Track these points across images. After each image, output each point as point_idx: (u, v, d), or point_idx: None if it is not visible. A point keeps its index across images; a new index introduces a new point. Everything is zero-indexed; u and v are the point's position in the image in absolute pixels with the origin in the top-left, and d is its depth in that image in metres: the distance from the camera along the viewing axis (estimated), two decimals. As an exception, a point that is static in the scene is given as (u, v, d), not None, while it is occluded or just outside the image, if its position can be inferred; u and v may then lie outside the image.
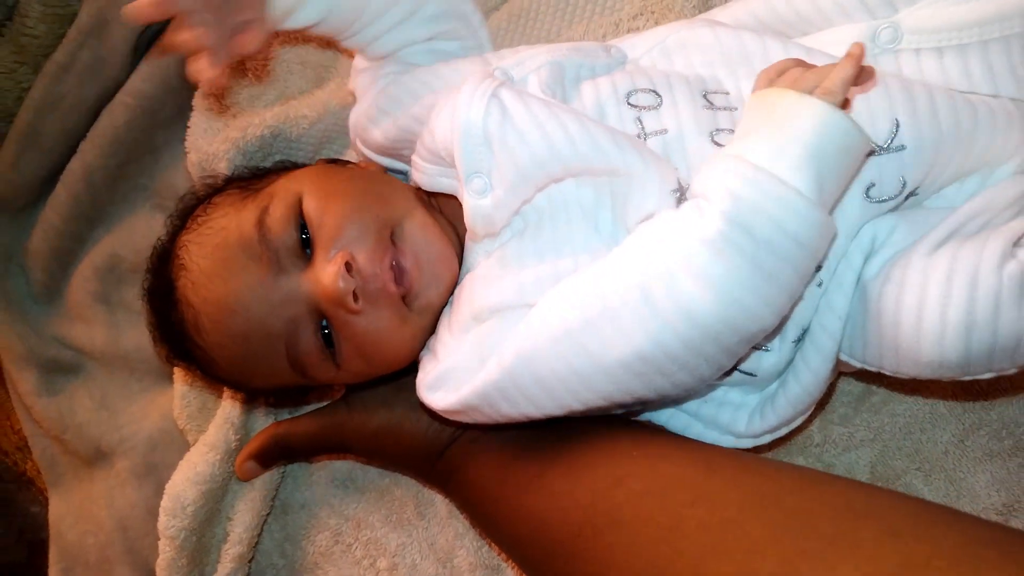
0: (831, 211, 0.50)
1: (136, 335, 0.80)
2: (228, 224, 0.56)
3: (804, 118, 0.47)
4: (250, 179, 0.64)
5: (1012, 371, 0.52)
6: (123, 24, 0.76)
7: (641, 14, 0.71)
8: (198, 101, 0.75)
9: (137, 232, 0.81)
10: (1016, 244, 0.51)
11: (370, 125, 0.62)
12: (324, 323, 0.56)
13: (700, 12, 0.69)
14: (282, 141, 0.72)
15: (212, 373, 0.62)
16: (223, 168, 0.71)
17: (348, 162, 0.69)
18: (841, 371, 0.61)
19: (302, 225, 0.56)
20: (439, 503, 0.71)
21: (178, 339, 0.60)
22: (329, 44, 0.78)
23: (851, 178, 0.50)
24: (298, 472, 0.75)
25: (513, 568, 0.70)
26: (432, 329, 0.59)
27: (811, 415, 0.61)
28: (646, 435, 0.58)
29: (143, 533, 0.74)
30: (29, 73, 0.79)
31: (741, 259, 0.46)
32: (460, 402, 0.54)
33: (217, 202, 0.60)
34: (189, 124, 0.75)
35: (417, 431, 0.63)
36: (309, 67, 0.76)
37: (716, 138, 0.54)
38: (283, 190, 0.57)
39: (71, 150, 0.81)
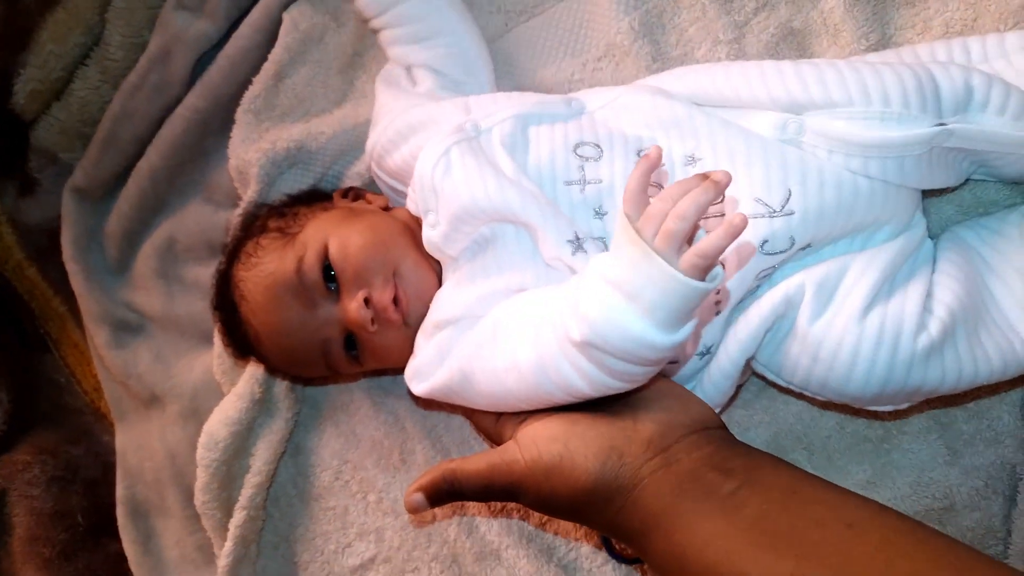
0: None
1: (185, 303, 0.93)
2: (275, 269, 0.72)
3: (662, 281, 0.49)
4: (285, 215, 0.77)
5: (904, 406, 0.64)
6: (183, 53, 0.88)
7: (604, 56, 0.80)
8: (240, 116, 0.87)
9: (189, 219, 0.93)
10: (927, 310, 0.61)
11: (384, 155, 0.75)
12: (349, 337, 0.72)
13: (653, 60, 0.78)
14: (304, 153, 0.83)
15: (266, 366, 0.82)
16: (254, 172, 0.83)
17: (360, 193, 0.81)
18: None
19: (327, 267, 0.71)
20: (419, 453, 0.83)
21: (243, 344, 0.78)
22: (348, 67, 0.90)
23: (699, 307, 0.52)
24: (309, 422, 0.87)
25: (476, 506, 0.81)
26: None
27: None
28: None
29: (187, 462, 0.88)
30: (110, 90, 0.92)
31: (598, 360, 0.53)
32: (428, 392, 0.67)
33: (265, 245, 0.75)
34: (231, 134, 0.87)
35: (591, 468, 0.55)
36: (330, 90, 0.87)
37: None
38: (313, 240, 0.72)
39: (140, 153, 0.93)
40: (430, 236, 0.67)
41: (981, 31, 0.71)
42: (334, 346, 0.73)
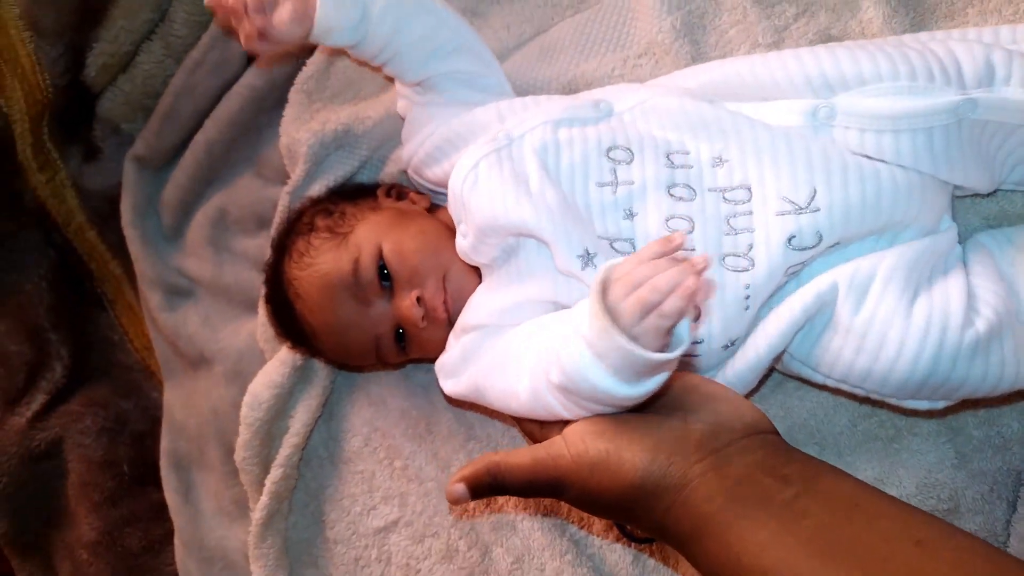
0: None
1: (234, 272, 0.96)
2: (331, 270, 0.76)
3: (623, 351, 0.49)
4: (332, 213, 0.80)
5: (941, 406, 0.65)
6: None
7: (645, 53, 0.81)
8: (292, 96, 0.90)
9: (241, 192, 0.97)
10: (973, 308, 0.62)
11: (423, 168, 0.78)
12: (399, 331, 0.77)
13: (692, 60, 0.78)
14: (351, 136, 0.86)
15: (321, 358, 0.86)
16: (303, 151, 0.86)
17: (403, 191, 0.84)
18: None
19: (382, 267, 0.75)
20: (443, 424, 0.86)
21: (299, 337, 0.83)
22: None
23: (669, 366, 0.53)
24: (343, 390, 0.91)
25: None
26: None
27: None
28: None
29: (229, 420, 0.92)
30: (173, 65, 0.95)
31: (574, 400, 0.56)
32: (452, 394, 0.73)
33: (317, 245, 0.78)
34: (284, 113, 0.90)
35: (638, 463, 0.53)
36: (378, 74, 0.89)
37: (671, 191, 0.65)
38: (367, 242, 0.76)
39: (198, 126, 0.96)
40: (461, 245, 0.72)
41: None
42: (385, 340, 0.78)
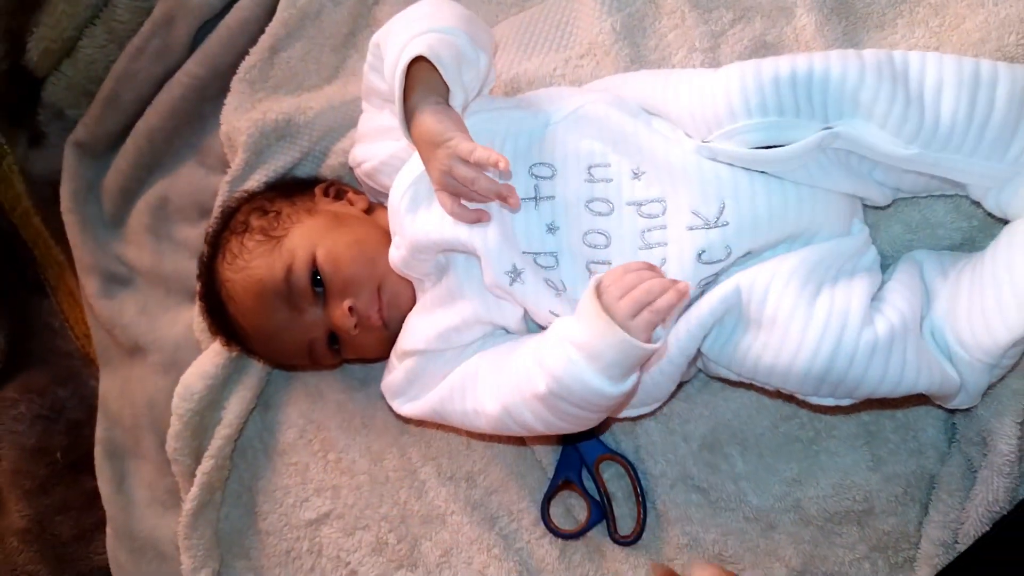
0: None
1: (173, 261, 0.94)
2: (264, 276, 0.75)
3: (622, 345, 0.57)
4: (267, 212, 0.78)
5: (846, 403, 0.65)
6: (186, 20, 0.89)
7: (586, 54, 0.80)
8: (235, 85, 0.88)
9: (182, 181, 0.94)
10: (877, 310, 0.62)
11: (375, 174, 0.77)
12: (333, 335, 0.76)
13: (631, 62, 0.78)
14: (292, 127, 0.84)
15: (253, 355, 0.85)
16: (242, 140, 0.84)
17: (342, 190, 0.82)
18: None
19: (315, 273, 0.74)
20: (378, 418, 0.85)
21: (231, 336, 0.82)
22: (342, 45, 0.90)
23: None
24: (280, 381, 0.89)
25: (429, 469, 0.83)
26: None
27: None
28: None
29: (164, 410, 0.88)
30: (116, 50, 0.93)
31: (557, 408, 0.63)
32: (409, 416, 0.75)
33: (250, 247, 0.76)
34: (226, 102, 0.87)
35: None
36: (323, 67, 0.89)
37: (590, 205, 0.66)
38: (301, 248, 0.74)
39: (140, 113, 0.94)
40: (393, 257, 0.72)
41: (943, 59, 0.71)
42: (318, 344, 0.77)
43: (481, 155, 0.61)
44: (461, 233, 0.66)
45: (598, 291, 0.59)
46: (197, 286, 0.83)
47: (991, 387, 0.67)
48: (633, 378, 0.61)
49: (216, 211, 0.86)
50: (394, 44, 0.66)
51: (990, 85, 0.61)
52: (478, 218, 0.66)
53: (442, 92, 0.66)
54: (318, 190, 0.82)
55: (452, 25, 0.66)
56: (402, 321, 0.76)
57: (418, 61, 0.64)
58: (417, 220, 0.68)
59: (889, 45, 0.73)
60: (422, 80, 0.65)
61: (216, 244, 0.80)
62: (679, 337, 0.65)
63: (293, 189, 0.83)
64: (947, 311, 0.65)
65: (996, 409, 0.68)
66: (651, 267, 0.61)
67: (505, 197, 0.64)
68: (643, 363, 0.62)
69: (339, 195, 0.82)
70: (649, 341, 0.59)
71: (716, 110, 0.63)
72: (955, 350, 0.64)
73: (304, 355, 0.78)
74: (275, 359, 0.84)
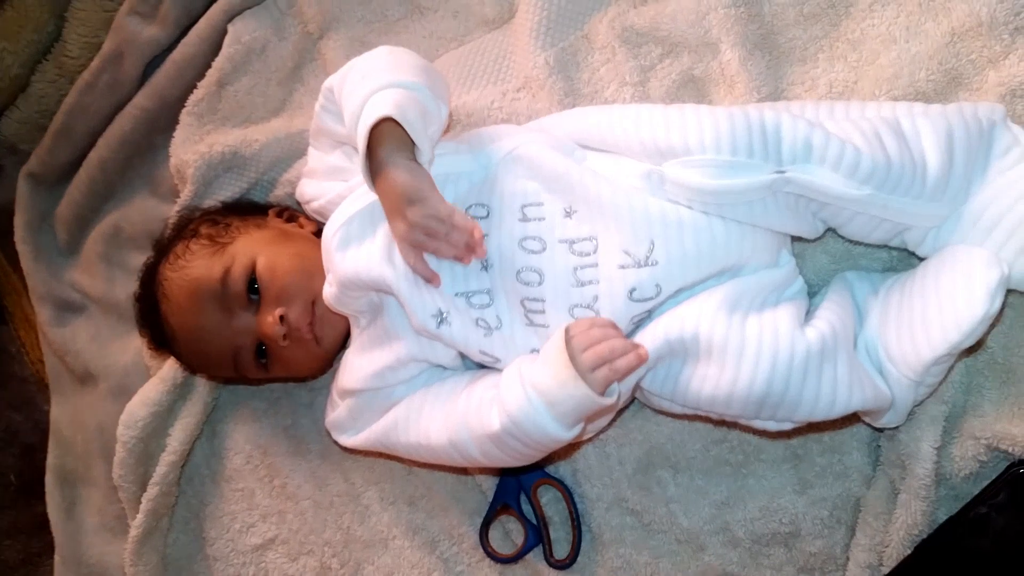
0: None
1: (125, 288, 0.92)
2: (201, 275, 0.74)
3: (581, 396, 0.59)
4: (218, 223, 0.78)
5: (788, 427, 0.65)
6: (134, 56, 0.90)
7: (523, 87, 0.81)
8: (183, 118, 0.88)
9: (135, 210, 0.94)
10: (809, 324, 0.62)
11: (321, 212, 0.76)
12: (261, 347, 0.75)
13: (565, 95, 0.78)
14: (238, 158, 0.84)
15: (180, 363, 0.84)
16: (190, 172, 0.84)
17: (295, 215, 0.81)
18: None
19: (252, 280, 0.73)
20: (323, 442, 0.84)
21: (159, 337, 0.79)
22: (287, 79, 0.90)
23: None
24: (227, 407, 0.88)
25: (372, 493, 0.83)
26: (331, 359, 0.81)
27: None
28: None
29: (113, 436, 0.87)
30: (66, 85, 0.93)
31: (506, 445, 0.64)
32: (353, 449, 0.75)
33: (194, 250, 0.76)
34: (174, 134, 0.88)
35: None
36: (269, 99, 0.89)
37: (523, 243, 0.66)
38: (243, 254, 0.74)
39: (92, 144, 0.94)
40: (326, 294, 0.72)
41: (860, 93, 0.72)
42: (245, 353, 0.76)
43: (460, 220, 0.63)
44: (387, 275, 0.66)
45: (566, 341, 0.61)
46: (136, 286, 0.81)
47: (913, 410, 0.67)
48: (581, 425, 0.63)
49: (170, 225, 0.85)
50: (355, 95, 0.66)
51: (914, 135, 0.62)
52: (432, 278, 0.66)
53: (409, 148, 0.66)
54: (271, 212, 0.82)
55: (413, 80, 0.66)
56: (334, 339, 0.76)
57: (384, 121, 0.64)
58: (347, 258, 0.68)
59: (811, 79, 0.74)
60: (389, 135, 0.65)
61: (163, 249, 0.80)
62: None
63: (247, 209, 0.83)
64: (878, 326, 0.65)
65: (914, 433, 0.68)
66: (614, 325, 0.63)
67: (474, 248, 0.64)
68: (595, 414, 0.63)
69: (291, 219, 0.82)
70: (603, 395, 0.60)
71: (670, 141, 0.63)
72: (885, 365, 0.64)
73: (228, 363, 0.76)
74: (198, 364, 0.81)
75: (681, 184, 0.63)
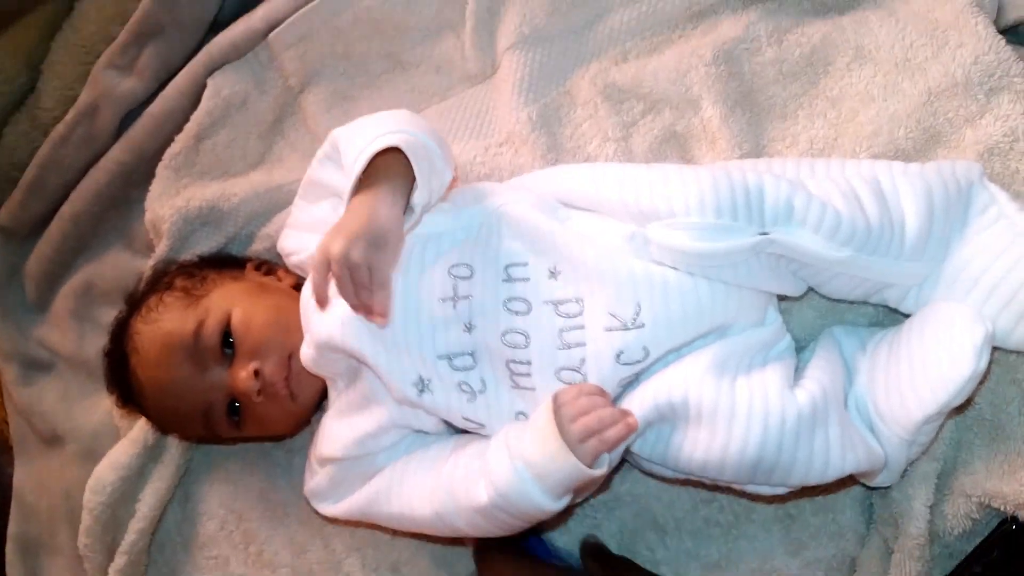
0: None
1: (96, 345, 0.87)
2: (174, 328, 0.71)
3: (570, 469, 0.58)
4: (194, 276, 0.75)
5: (782, 491, 0.63)
6: (110, 109, 0.87)
7: (505, 142, 0.80)
8: (160, 171, 0.86)
9: (108, 265, 0.91)
10: (799, 385, 0.61)
11: (307, 267, 0.72)
12: (234, 403, 0.72)
13: (548, 150, 0.77)
14: (216, 213, 0.82)
15: (148, 419, 0.80)
16: (166, 227, 0.82)
17: (272, 268, 0.79)
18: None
19: (226, 334, 0.70)
20: (301, 507, 0.80)
21: (127, 393, 0.76)
22: (268, 132, 0.89)
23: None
24: (200, 470, 0.84)
25: (353, 560, 0.79)
26: (307, 417, 0.78)
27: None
28: None
29: (80, 502, 0.82)
30: (39, 138, 0.90)
31: (493, 517, 0.62)
32: (335, 517, 0.72)
33: (168, 302, 0.73)
34: (150, 188, 0.85)
35: None
36: (249, 153, 0.87)
37: (508, 305, 0.65)
38: (217, 307, 0.71)
39: (64, 198, 0.91)
40: (304, 355, 0.69)
41: (840, 149, 0.73)
42: (217, 409, 0.72)
43: (382, 299, 0.61)
44: (364, 346, 0.64)
45: (554, 412, 0.60)
46: (106, 340, 0.78)
47: (905, 468, 0.66)
48: (570, 495, 0.62)
49: (145, 279, 0.82)
50: (363, 137, 0.64)
51: (894, 195, 0.63)
52: (323, 302, 0.64)
53: (405, 192, 0.64)
54: (249, 265, 0.80)
55: (426, 136, 0.65)
56: (311, 396, 0.73)
57: (388, 155, 0.62)
58: (324, 319, 0.66)
59: (791, 136, 0.75)
60: (390, 169, 0.63)
61: (136, 302, 0.76)
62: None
63: (225, 262, 0.80)
64: (867, 385, 0.64)
65: (906, 492, 0.67)
66: (603, 392, 0.62)
67: (369, 311, 0.62)
68: (584, 486, 0.62)
69: (269, 272, 0.79)
70: (592, 467, 0.59)
71: (654, 203, 0.63)
72: (876, 424, 0.63)
73: (199, 420, 0.72)
74: (169, 422, 0.77)
75: (665, 246, 0.62)
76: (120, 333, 0.76)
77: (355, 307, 0.62)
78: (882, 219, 0.61)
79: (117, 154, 0.89)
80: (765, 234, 0.61)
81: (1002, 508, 0.64)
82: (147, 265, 0.86)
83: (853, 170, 0.66)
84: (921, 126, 0.70)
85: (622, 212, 0.65)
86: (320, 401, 0.76)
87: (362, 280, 0.60)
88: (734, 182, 0.61)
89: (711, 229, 0.60)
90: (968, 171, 0.65)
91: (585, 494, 0.67)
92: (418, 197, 0.64)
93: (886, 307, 0.68)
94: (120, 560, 0.80)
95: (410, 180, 0.64)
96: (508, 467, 0.60)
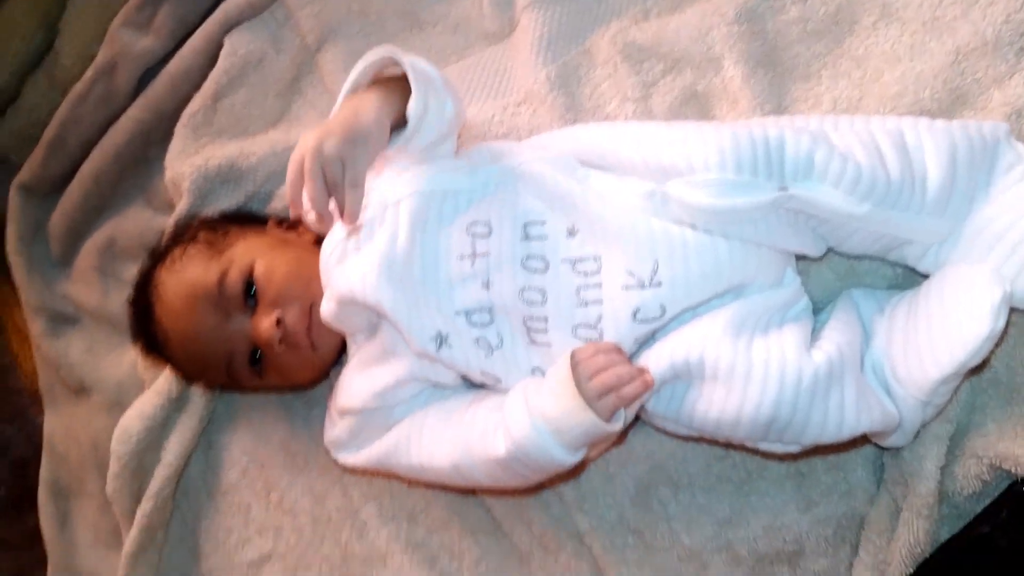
0: None
1: (120, 300, 0.89)
2: (198, 278, 0.72)
3: (588, 424, 0.59)
4: (217, 230, 0.76)
5: (795, 449, 0.63)
6: (128, 67, 0.87)
7: (523, 102, 0.79)
8: (178, 130, 0.86)
9: (130, 222, 0.92)
10: (816, 346, 0.61)
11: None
12: (256, 352, 0.73)
13: (567, 110, 0.76)
14: (235, 171, 0.82)
15: (173, 368, 0.81)
16: (186, 185, 0.82)
17: (295, 224, 0.78)
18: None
19: (249, 284, 0.71)
20: (321, 456, 0.81)
21: (152, 342, 0.77)
22: (286, 91, 0.88)
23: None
24: (224, 420, 0.86)
25: (371, 508, 0.81)
26: (327, 369, 0.78)
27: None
28: None
29: (108, 450, 0.84)
30: (58, 96, 0.91)
31: (511, 469, 0.63)
32: (354, 468, 0.73)
33: (192, 254, 0.74)
34: (169, 147, 0.86)
35: None
36: (267, 112, 0.87)
37: (526, 263, 0.64)
38: (241, 258, 0.72)
39: (84, 156, 0.92)
40: (324, 310, 0.69)
41: (864, 110, 0.71)
42: (239, 358, 0.73)
43: (353, 200, 0.59)
44: (384, 299, 0.64)
45: (572, 368, 0.60)
46: (131, 290, 0.79)
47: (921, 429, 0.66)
48: (586, 449, 0.63)
49: (168, 232, 0.83)
50: (363, 60, 0.64)
51: (917, 150, 0.61)
52: (295, 205, 0.63)
53: (396, 101, 0.63)
54: (271, 220, 0.80)
55: (427, 64, 0.65)
56: (331, 348, 0.74)
57: (389, 81, 0.61)
58: (344, 275, 0.66)
59: (814, 96, 0.73)
60: (387, 84, 0.62)
61: (160, 254, 0.77)
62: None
63: (247, 219, 0.81)
64: (885, 346, 0.64)
65: (918, 452, 0.66)
66: (619, 350, 0.62)
67: (343, 219, 0.61)
68: (600, 440, 0.63)
69: (291, 228, 0.80)
70: (609, 422, 0.60)
71: (674, 159, 0.62)
72: (892, 385, 0.63)
73: (221, 368, 0.73)
74: (192, 370, 0.79)
75: (685, 204, 0.61)
76: (145, 283, 0.77)
77: (320, 209, 0.60)
78: (903, 173, 0.60)
79: (136, 112, 0.89)
80: (785, 190, 0.60)
81: (1013, 470, 0.64)
82: (168, 222, 0.86)
83: (878, 125, 0.64)
84: (948, 87, 0.68)
85: (642, 169, 0.64)
86: (340, 354, 0.77)
87: (334, 175, 0.59)
88: (755, 137, 0.60)
89: (731, 185, 0.60)
90: (995, 130, 0.63)
91: (600, 449, 0.68)
92: (413, 106, 0.62)
93: (905, 267, 0.67)
94: (147, 505, 0.82)
95: (406, 96, 0.63)
96: (526, 421, 0.60)
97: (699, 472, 0.74)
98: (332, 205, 0.62)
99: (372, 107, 0.62)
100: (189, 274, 0.72)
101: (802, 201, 0.60)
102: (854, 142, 0.61)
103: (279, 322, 0.70)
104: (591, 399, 0.59)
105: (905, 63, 0.70)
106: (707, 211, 0.61)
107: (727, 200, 0.60)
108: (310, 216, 0.66)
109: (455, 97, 0.68)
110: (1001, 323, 0.57)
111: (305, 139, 0.60)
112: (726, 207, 0.60)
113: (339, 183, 0.59)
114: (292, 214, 0.64)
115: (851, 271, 0.71)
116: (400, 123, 0.65)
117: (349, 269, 0.67)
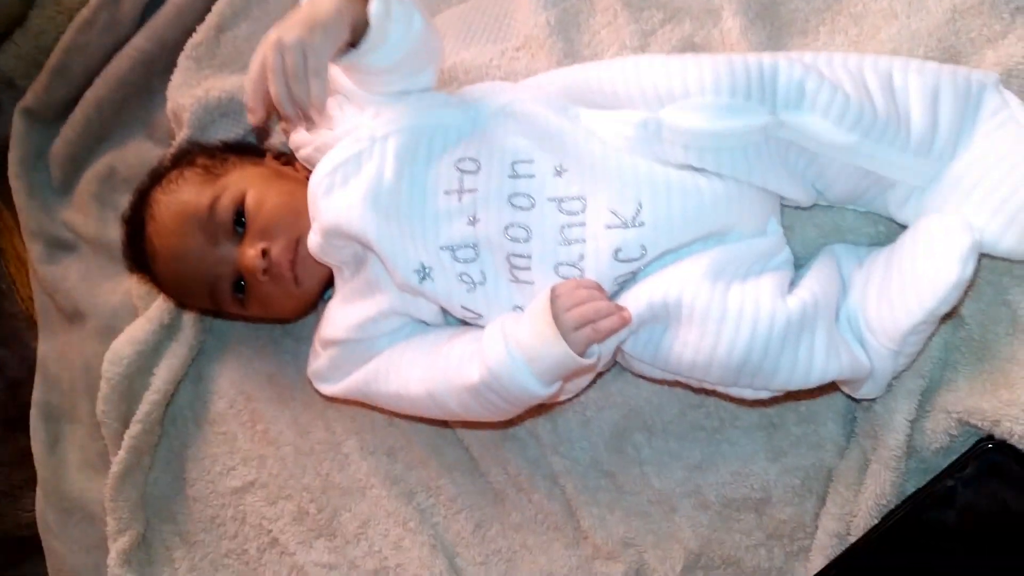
0: None
1: (118, 229, 0.86)
2: (190, 200, 0.72)
3: (561, 355, 0.59)
4: (215, 157, 0.77)
5: (765, 395, 0.64)
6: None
7: (522, 47, 0.79)
8: (181, 62, 0.86)
9: (131, 152, 0.92)
10: (791, 293, 0.61)
11: (314, 161, 0.72)
12: (240, 281, 0.73)
13: (565, 56, 0.76)
14: (235, 104, 0.82)
15: (158, 287, 0.81)
16: (186, 117, 0.82)
17: (291, 160, 0.79)
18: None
19: (240, 212, 0.71)
20: (306, 391, 0.82)
21: (140, 259, 0.77)
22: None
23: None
24: (213, 352, 0.87)
25: (352, 442, 0.82)
26: (310, 303, 0.79)
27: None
28: None
29: (99, 375, 0.85)
30: (65, 22, 0.90)
31: (483, 397, 0.63)
32: (333, 396, 0.74)
33: (188, 176, 0.75)
34: (172, 78, 0.86)
35: None
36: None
37: (512, 200, 0.65)
38: (234, 186, 0.72)
39: (88, 83, 0.91)
40: (311, 243, 0.70)
41: (859, 67, 0.71)
42: (222, 284, 0.74)
43: (317, 89, 0.57)
44: (369, 230, 0.65)
45: (551, 300, 0.60)
46: (126, 207, 0.79)
47: (891, 382, 0.66)
48: (559, 383, 0.63)
49: (169, 156, 0.83)
50: None
51: (903, 90, 0.62)
52: (254, 110, 0.61)
53: (361, 11, 0.60)
54: (269, 154, 0.81)
55: None
56: (315, 283, 0.74)
57: None
58: (330, 207, 0.66)
59: (811, 51, 0.72)
60: None
61: (158, 175, 0.78)
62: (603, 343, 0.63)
63: (247, 149, 0.82)
64: (859, 297, 0.64)
65: (890, 405, 0.67)
66: (599, 287, 0.62)
67: (301, 117, 0.59)
68: (573, 374, 0.63)
69: (288, 163, 0.80)
70: (583, 355, 0.60)
71: (671, 85, 0.62)
72: (865, 335, 0.63)
73: (205, 292, 0.74)
74: (176, 290, 0.79)
75: (679, 129, 0.61)
76: (140, 201, 0.77)
77: (285, 104, 0.58)
78: (888, 110, 0.60)
79: (139, 42, 0.89)
80: (775, 115, 0.60)
81: (980, 425, 0.64)
82: (167, 154, 0.87)
83: (869, 63, 0.64)
84: (942, 45, 0.68)
85: (638, 99, 0.64)
86: (324, 291, 0.78)
87: (296, 67, 0.57)
88: (749, 63, 0.61)
89: (724, 109, 0.60)
90: (984, 77, 0.63)
91: (577, 386, 0.68)
92: (375, 7, 0.59)
93: (890, 225, 0.68)
94: (135, 428, 0.83)
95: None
96: (502, 348, 0.61)
97: (673, 419, 0.75)
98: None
99: (331, 1, 0.59)
100: (182, 196, 0.73)
101: (792, 128, 0.60)
102: (844, 78, 0.62)
103: (264, 253, 0.70)
104: (567, 330, 0.59)
105: (902, 20, 0.70)
106: (701, 134, 0.61)
107: (721, 123, 0.60)
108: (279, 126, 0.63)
109: (425, 15, 0.66)
110: (969, 270, 0.57)
111: (265, 38, 0.58)
112: (720, 129, 0.60)
113: (301, 72, 0.58)
114: (252, 120, 0.62)
115: (835, 228, 0.71)
116: (363, 32, 0.61)
117: (336, 200, 0.67)
